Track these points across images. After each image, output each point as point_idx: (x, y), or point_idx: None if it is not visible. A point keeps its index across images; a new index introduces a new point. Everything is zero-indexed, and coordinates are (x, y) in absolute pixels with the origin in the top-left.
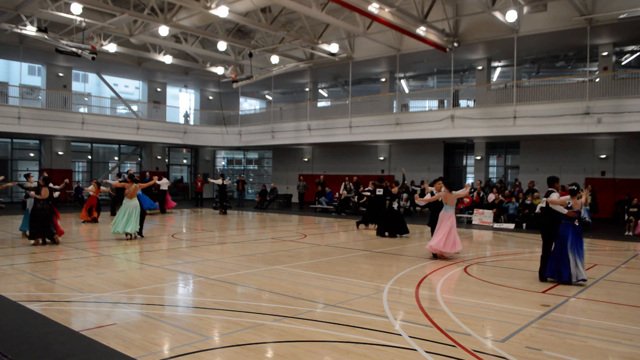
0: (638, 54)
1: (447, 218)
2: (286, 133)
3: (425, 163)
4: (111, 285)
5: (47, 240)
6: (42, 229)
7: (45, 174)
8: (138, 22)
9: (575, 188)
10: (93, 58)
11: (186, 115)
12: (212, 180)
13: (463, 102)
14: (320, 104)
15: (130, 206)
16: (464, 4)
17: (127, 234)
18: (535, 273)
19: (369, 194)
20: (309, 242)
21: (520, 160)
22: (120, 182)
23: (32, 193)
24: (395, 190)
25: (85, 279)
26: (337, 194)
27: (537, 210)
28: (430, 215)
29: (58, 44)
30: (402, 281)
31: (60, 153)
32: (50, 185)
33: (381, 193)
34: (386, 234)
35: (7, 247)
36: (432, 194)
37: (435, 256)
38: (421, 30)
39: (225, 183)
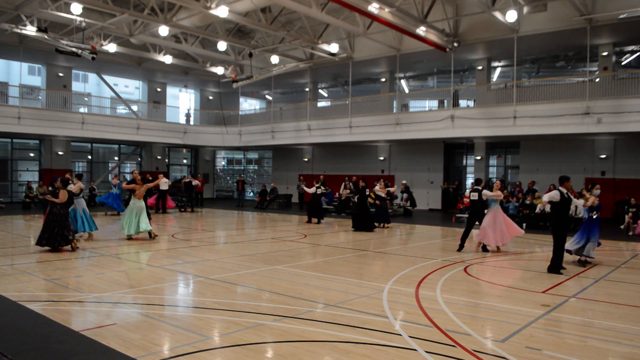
0: (638, 54)
1: (500, 213)
2: (286, 133)
3: (425, 163)
4: (111, 285)
5: (61, 247)
6: (54, 236)
7: (67, 175)
8: (138, 22)
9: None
10: (93, 58)
11: (187, 115)
12: (195, 182)
13: (463, 102)
14: (320, 104)
15: (137, 207)
16: (464, 4)
17: (149, 232)
18: (536, 273)
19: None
20: (309, 242)
21: (520, 160)
22: (127, 184)
23: (49, 197)
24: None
25: (85, 279)
26: (337, 194)
27: (538, 210)
28: (476, 213)
29: (58, 44)
30: (402, 281)
31: (60, 153)
32: (69, 188)
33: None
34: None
35: (7, 247)
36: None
37: (492, 249)
38: (421, 30)
39: (193, 183)
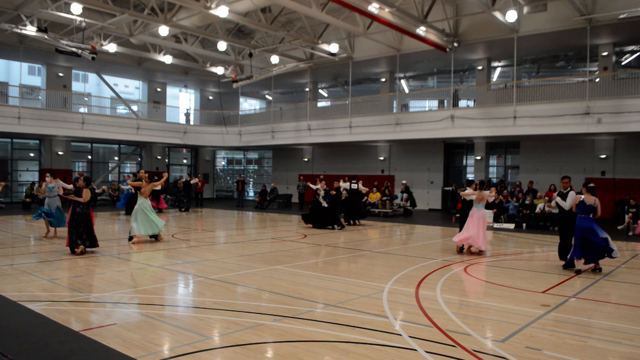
0: (638, 54)
1: (480, 215)
2: (286, 133)
3: (425, 163)
4: (111, 285)
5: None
6: (83, 236)
7: (86, 174)
8: (138, 22)
9: (592, 186)
10: (93, 58)
11: (187, 114)
12: (194, 180)
13: (463, 102)
14: (320, 104)
15: (146, 206)
16: (464, 4)
17: (152, 236)
18: (536, 273)
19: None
20: (309, 242)
21: (520, 160)
22: (135, 180)
23: (73, 197)
24: (321, 187)
25: (85, 279)
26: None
27: (538, 210)
28: (464, 213)
29: (58, 44)
30: (402, 281)
31: (60, 153)
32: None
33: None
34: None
35: (7, 247)
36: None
37: (462, 250)
38: (421, 30)
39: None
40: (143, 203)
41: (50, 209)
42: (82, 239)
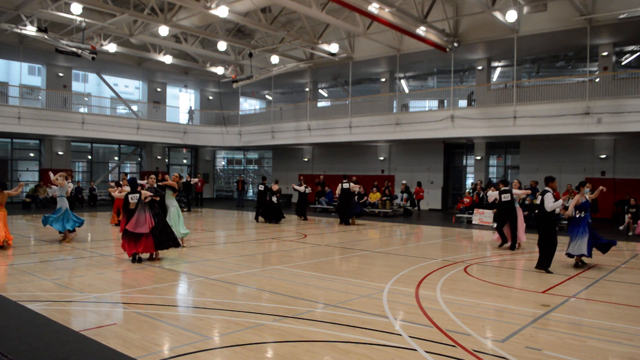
0: (638, 54)
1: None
2: (286, 133)
3: (425, 163)
4: (111, 285)
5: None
6: (171, 236)
7: (161, 173)
8: (138, 22)
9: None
10: (93, 58)
11: (190, 112)
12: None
13: (463, 102)
14: (320, 104)
15: (177, 206)
16: (464, 4)
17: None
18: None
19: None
20: (309, 242)
21: (520, 160)
22: (161, 181)
23: (154, 197)
24: (275, 187)
25: (85, 279)
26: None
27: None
28: (500, 213)
29: (58, 44)
30: (402, 281)
31: (60, 153)
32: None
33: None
34: (260, 219)
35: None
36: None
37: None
38: (421, 30)
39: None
40: (171, 201)
41: (61, 211)
42: (170, 240)
